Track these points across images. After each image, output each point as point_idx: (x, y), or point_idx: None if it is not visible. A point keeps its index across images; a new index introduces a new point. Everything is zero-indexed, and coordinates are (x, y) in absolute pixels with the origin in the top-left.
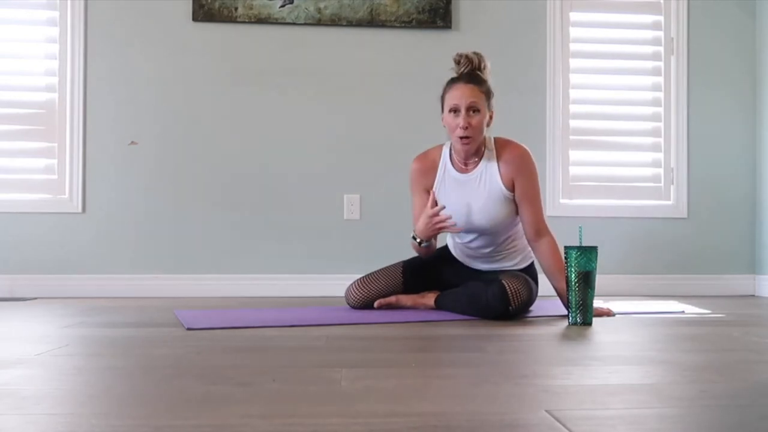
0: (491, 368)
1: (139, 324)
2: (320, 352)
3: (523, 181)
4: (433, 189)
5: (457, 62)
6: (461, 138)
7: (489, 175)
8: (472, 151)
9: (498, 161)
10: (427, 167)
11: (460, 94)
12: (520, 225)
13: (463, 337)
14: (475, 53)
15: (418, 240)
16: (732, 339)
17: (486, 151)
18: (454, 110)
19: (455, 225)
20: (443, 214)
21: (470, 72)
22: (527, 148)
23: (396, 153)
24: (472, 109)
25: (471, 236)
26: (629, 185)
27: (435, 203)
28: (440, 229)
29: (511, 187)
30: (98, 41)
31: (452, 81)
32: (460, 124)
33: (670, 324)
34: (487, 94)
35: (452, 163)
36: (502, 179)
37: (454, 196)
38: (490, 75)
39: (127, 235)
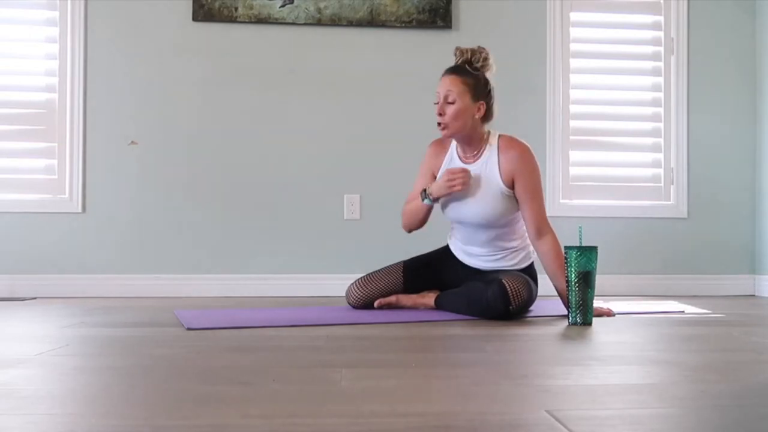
0: (491, 368)
1: (139, 324)
2: (320, 352)
3: (523, 178)
4: (438, 174)
5: (454, 54)
6: (438, 125)
7: (489, 171)
8: (450, 137)
9: (499, 158)
10: (440, 151)
11: (440, 84)
12: (519, 224)
13: (463, 337)
14: (478, 47)
15: (428, 193)
16: (732, 339)
17: (487, 146)
18: (437, 100)
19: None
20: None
21: (457, 64)
22: (529, 146)
23: (396, 153)
24: (447, 98)
25: (470, 234)
26: (629, 185)
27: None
28: (452, 189)
29: (510, 185)
30: (98, 41)
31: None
32: (436, 111)
33: (670, 324)
34: (473, 85)
35: (458, 155)
36: (501, 176)
37: None
38: (491, 70)
39: (127, 235)
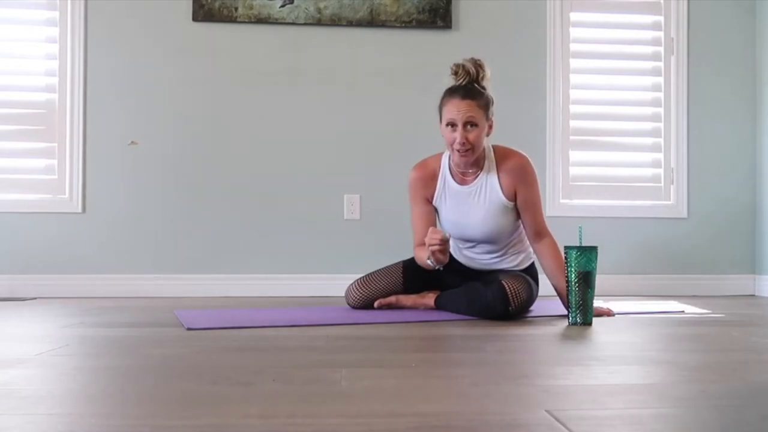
0: (491, 368)
1: (139, 324)
2: (320, 352)
3: (525, 190)
4: (433, 200)
5: (455, 73)
6: (459, 151)
7: (489, 187)
8: (470, 163)
9: (498, 172)
10: (428, 177)
11: (457, 110)
12: (520, 228)
13: (463, 337)
14: (474, 62)
15: (432, 265)
16: (732, 339)
17: (486, 161)
18: (451, 124)
19: (449, 236)
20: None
21: (467, 85)
22: (527, 156)
23: (396, 153)
24: (470, 123)
25: (472, 243)
26: (629, 185)
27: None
28: (432, 251)
29: (513, 197)
30: (98, 41)
31: (449, 93)
32: (458, 140)
33: (670, 324)
34: (486, 106)
35: (452, 175)
36: (503, 190)
37: (454, 208)
38: (490, 83)
39: (127, 235)
